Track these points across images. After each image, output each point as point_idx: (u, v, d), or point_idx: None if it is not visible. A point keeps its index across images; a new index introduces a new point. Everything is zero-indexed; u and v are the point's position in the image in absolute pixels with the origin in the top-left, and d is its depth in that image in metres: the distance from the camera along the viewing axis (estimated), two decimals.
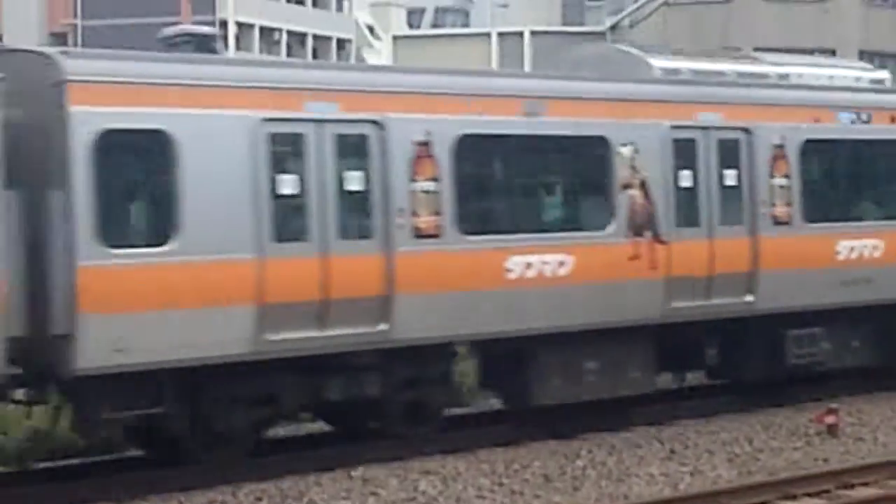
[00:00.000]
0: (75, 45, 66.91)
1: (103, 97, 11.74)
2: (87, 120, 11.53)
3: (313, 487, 11.71)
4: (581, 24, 42.39)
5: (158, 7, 60.72)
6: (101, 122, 11.59)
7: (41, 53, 12.98)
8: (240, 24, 67.95)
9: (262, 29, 69.01)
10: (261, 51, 67.99)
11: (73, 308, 11.27)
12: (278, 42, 69.16)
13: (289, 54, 66.17)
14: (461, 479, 12.28)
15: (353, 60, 68.31)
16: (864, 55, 38.70)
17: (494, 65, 40.08)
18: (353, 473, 12.25)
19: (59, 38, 68.99)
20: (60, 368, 11.43)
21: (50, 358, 11.43)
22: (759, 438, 14.50)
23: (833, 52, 38.04)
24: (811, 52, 34.84)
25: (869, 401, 16.62)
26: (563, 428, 14.43)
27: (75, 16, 68.28)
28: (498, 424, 14.93)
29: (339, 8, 74.42)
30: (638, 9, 18.50)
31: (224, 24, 65.49)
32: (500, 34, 43.13)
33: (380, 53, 61.16)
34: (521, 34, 41.60)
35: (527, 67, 37.21)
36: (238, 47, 66.41)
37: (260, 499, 11.35)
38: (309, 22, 72.04)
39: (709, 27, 36.50)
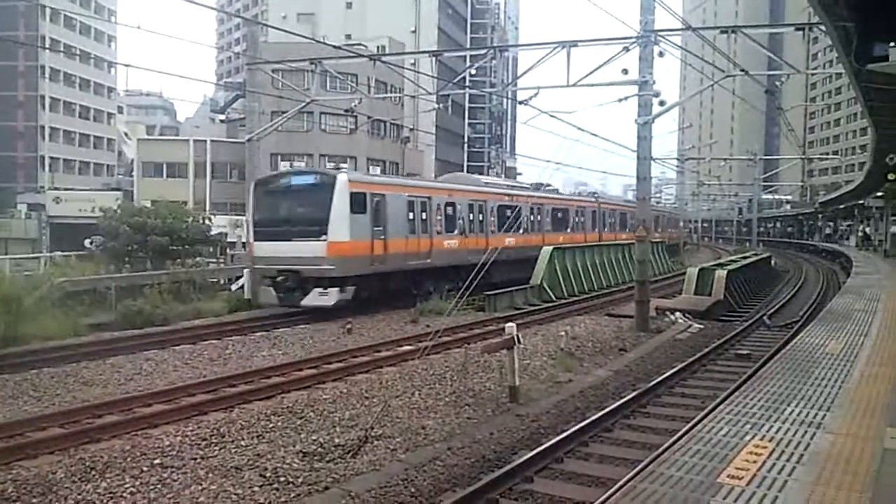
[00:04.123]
0: None
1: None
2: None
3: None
4: (236, 137, 50.08)
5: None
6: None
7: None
8: (51, 129, 76.48)
9: (63, 132, 77.54)
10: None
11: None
12: (74, 140, 78.60)
13: (79, 145, 77.91)
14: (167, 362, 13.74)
15: (115, 151, 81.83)
16: (369, 161, 51.81)
17: (191, 159, 50.36)
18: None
19: None
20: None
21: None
22: (317, 336, 16.69)
23: (355, 158, 49.92)
24: (345, 158, 46.48)
25: (366, 318, 19.07)
26: (220, 332, 16.58)
27: None
28: (197, 329, 16.93)
29: (109, 122, 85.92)
30: (262, 131, 24.62)
31: (43, 127, 75.78)
32: (195, 141, 52.77)
33: (131, 148, 70.29)
34: (205, 141, 52.06)
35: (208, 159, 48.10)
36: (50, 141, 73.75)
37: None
38: (90, 129, 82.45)
39: (297, 143, 47.25)
